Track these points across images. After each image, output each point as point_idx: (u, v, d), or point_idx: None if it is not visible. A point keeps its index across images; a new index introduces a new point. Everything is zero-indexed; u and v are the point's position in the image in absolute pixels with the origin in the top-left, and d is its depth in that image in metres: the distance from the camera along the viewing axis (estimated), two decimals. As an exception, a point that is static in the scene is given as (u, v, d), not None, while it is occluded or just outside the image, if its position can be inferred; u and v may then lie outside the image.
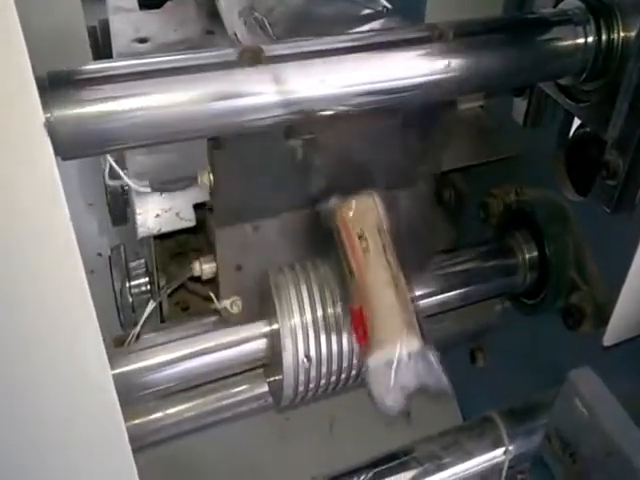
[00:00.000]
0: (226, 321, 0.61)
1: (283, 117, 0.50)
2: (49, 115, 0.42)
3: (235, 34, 0.95)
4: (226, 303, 0.60)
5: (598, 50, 0.59)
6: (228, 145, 0.57)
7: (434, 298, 0.73)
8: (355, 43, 0.56)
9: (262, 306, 0.63)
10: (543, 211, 0.72)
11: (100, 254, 1.03)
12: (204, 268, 0.62)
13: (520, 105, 0.74)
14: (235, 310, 0.60)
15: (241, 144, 0.57)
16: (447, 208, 0.97)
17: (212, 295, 0.62)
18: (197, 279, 0.86)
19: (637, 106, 0.57)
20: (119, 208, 0.85)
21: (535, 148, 0.76)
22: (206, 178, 0.58)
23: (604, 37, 0.59)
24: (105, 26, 1.15)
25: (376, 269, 0.54)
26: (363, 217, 0.57)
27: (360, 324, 0.51)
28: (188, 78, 0.46)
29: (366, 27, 1.14)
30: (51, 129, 0.40)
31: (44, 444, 0.47)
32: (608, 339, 0.57)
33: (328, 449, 0.95)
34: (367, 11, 1.19)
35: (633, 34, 0.57)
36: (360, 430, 0.96)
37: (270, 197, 0.63)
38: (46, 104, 0.41)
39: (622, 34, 0.58)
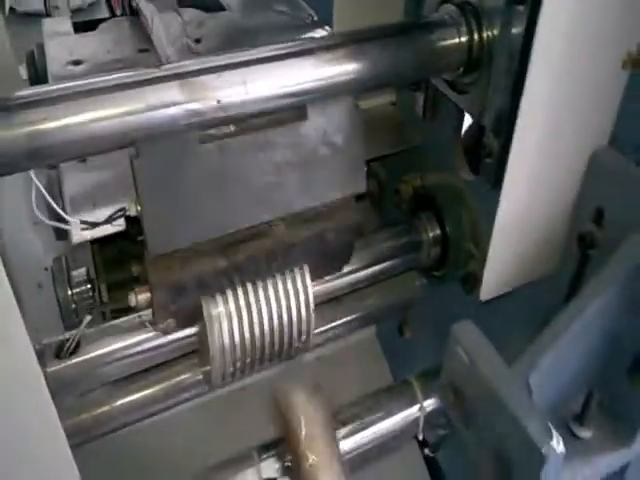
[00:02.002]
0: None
1: (190, 124, 0.58)
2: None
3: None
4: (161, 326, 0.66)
5: (471, 48, 0.67)
6: (145, 155, 0.59)
7: (356, 274, 0.81)
8: (268, 54, 0.62)
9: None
10: (443, 193, 0.81)
11: (47, 269, 1.07)
12: (139, 299, 0.67)
13: (419, 100, 0.82)
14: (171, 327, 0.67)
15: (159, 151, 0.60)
16: (371, 197, 1.05)
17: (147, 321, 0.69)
18: (137, 280, 0.92)
19: (505, 94, 0.65)
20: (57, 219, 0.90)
21: (436, 137, 0.85)
22: (133, 209, 0.63)
23: (476, 37, 0.67)
24: (42, 50, 1.20)
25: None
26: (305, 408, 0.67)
27: None
28: (107, 97, 0.53)
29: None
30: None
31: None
32: (483, 294, 0.66)
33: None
34: (294, 21, 1.27)
35: (496, 33, 0.65)
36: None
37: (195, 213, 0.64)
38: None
39: (488, 33, 0.66)
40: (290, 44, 0.64)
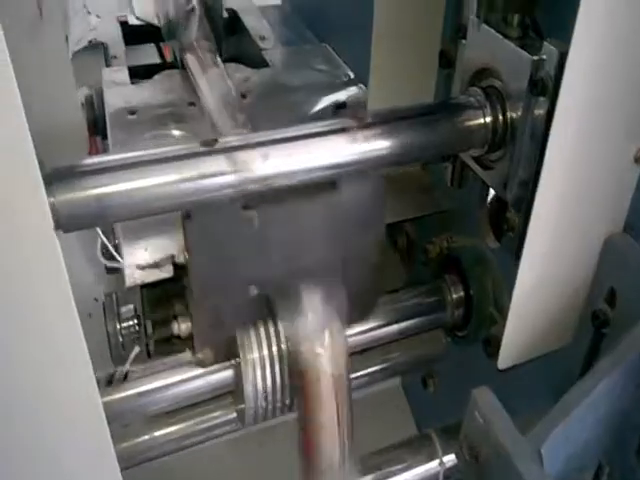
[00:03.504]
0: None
1: (238, 192, 0.65)
2: (53, 199, 0.55)
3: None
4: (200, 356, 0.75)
5: (495, 128, 0.72)
6: (196, 217, 0.70)
7: (382, 330, 0.86)
8: (308, 131, 0.69)
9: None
10: (469, 257, 0.85)
11: (97, 299, 1.15)
12: (182, 328, 0.77)
13: (447, 170, 0.88)
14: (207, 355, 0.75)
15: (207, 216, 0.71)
16: (401, 253, 1.11)
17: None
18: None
19: (525, 174, 0.70)
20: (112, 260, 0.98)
21: (463, 204, 0.90)
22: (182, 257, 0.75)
23: (500, 118, 0.72)
24: (100, 94, 1.31)
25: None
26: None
27: None
28: (161, 167, 0.61)
29: (332, 97, 1.29)
30: (54, 211, 0.54)
31: (37, 466, 0.55)
32: (502, 363, 0.70)
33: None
34: (332, 79, 1.35)
35: (519, 114, 0.71)
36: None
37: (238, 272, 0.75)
38: (51, 192, 0.55)
39: (512, 115, 0.71)
40: (328, 122, 0.71)
